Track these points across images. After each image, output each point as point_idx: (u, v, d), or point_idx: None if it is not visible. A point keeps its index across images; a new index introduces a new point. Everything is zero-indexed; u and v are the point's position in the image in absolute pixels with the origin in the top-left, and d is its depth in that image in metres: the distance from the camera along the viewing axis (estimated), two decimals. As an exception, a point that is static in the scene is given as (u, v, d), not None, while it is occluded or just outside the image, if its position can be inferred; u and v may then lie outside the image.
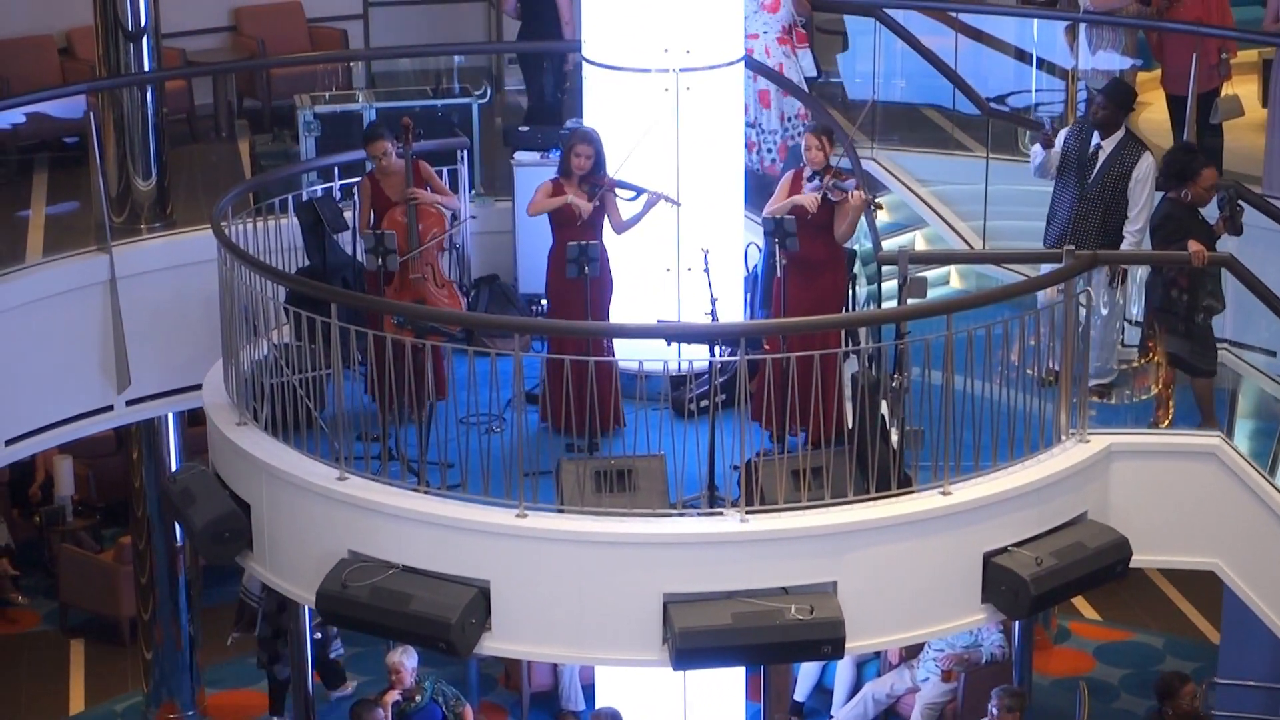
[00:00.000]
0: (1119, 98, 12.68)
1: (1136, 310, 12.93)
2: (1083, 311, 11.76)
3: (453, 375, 12.06)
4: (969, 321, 11.44)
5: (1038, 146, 12.79)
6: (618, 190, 12.53)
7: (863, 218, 13.13)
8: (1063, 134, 12.80)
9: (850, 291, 13.03)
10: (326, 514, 11.55)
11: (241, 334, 12.37)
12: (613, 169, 12.53)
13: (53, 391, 13.60)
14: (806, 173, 12.31)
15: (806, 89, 15.13)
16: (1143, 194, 12.46)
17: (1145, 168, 12.47)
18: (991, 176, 14.68)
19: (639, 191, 12.52)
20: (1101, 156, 12.51)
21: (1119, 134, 12.58)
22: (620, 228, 12.56)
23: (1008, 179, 14.79)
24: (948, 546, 11.31)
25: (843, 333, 12.21)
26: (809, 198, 12.16)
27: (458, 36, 18.72)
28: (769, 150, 15.14)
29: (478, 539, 11.14)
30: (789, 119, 15.15)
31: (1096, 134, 12.57)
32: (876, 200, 12.75)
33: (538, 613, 11.17)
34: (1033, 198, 14.12)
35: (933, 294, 12.87)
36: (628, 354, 12.17)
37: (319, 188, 13.99)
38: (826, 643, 10.97)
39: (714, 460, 11.38)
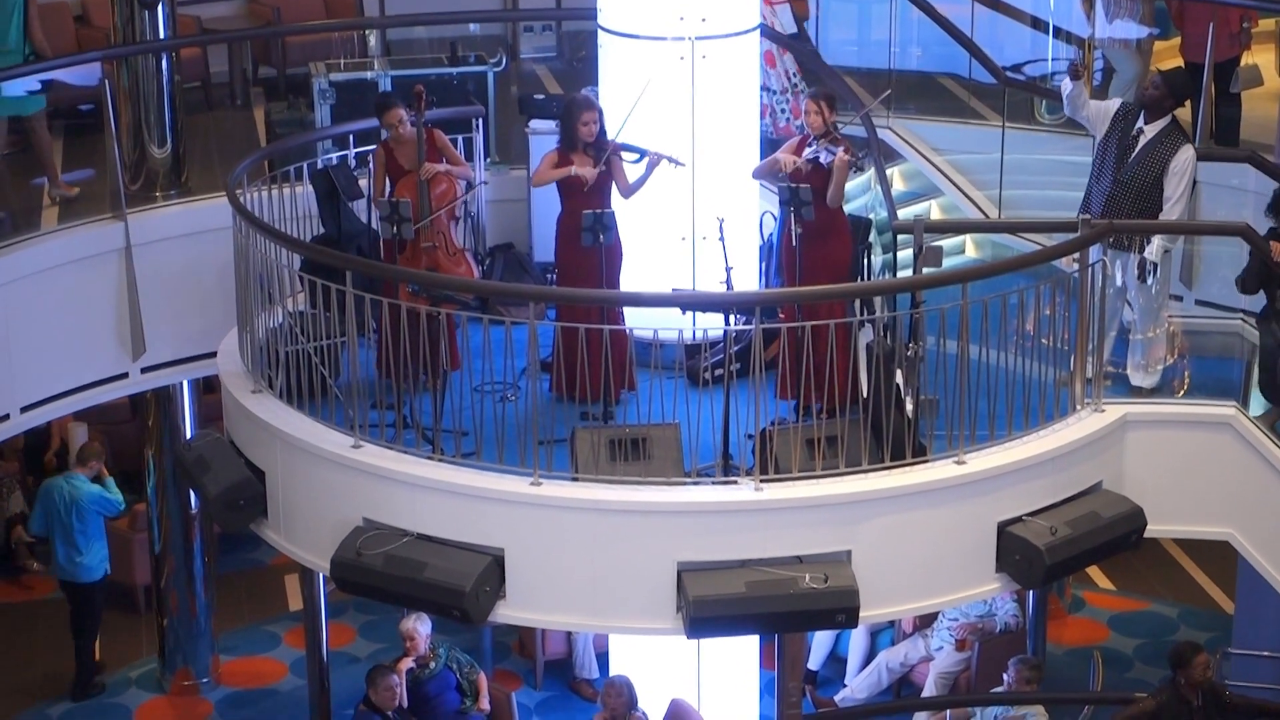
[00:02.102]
0: (1175, 85, 12.29)
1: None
2: (1098, 280, 11.75)
3: (467, 343, 12.07)
4: (984, 290, 11.43)
5: (1067, 80, 12.43)
6: (622, 153, 12.51)
7: (878, 187, 13.14)
8: (1114, 104, 12.46)
9: (866, 260, 13.02)
10: (341, 482, 11.56)
11: (256, 302, 12.37)
12: (614, 132, 12.51)
13: (68, 358, 13.61)
14: (809, 138, 12.31)
15: None
16: (1178, 186, 12.10)
17: (1183, 160, 12.10)
18: (1007, 145, 14.63)
19: (642, 153, 12.51)
20: (1142, 141, 12.19)
21: (1163, 122, 12.19)
22: (628, 191, 12.56)
23: (1024, 148, 14.75)
24: (962, 516, 11.31)
25: (858, 302, 12.21)
26: (787, 157, 12.17)
27: (473, 4, 18.67)
28: (782, 111, 15.09)
29: (492, 507, 11.15)
30: (792, 75, 15.12)
31: (1142, 116, 12.25)
32: (859, 162, 12.65)
33: (552, 581, 11.19)
34: (1048, 167, 14.12)
35: (948, 263, 12.84)
36: (642, 323, 12.16)
37: (334, 155, 13.98)
38: (841, 611, 10.98)
39: (728, 429, 11.38)
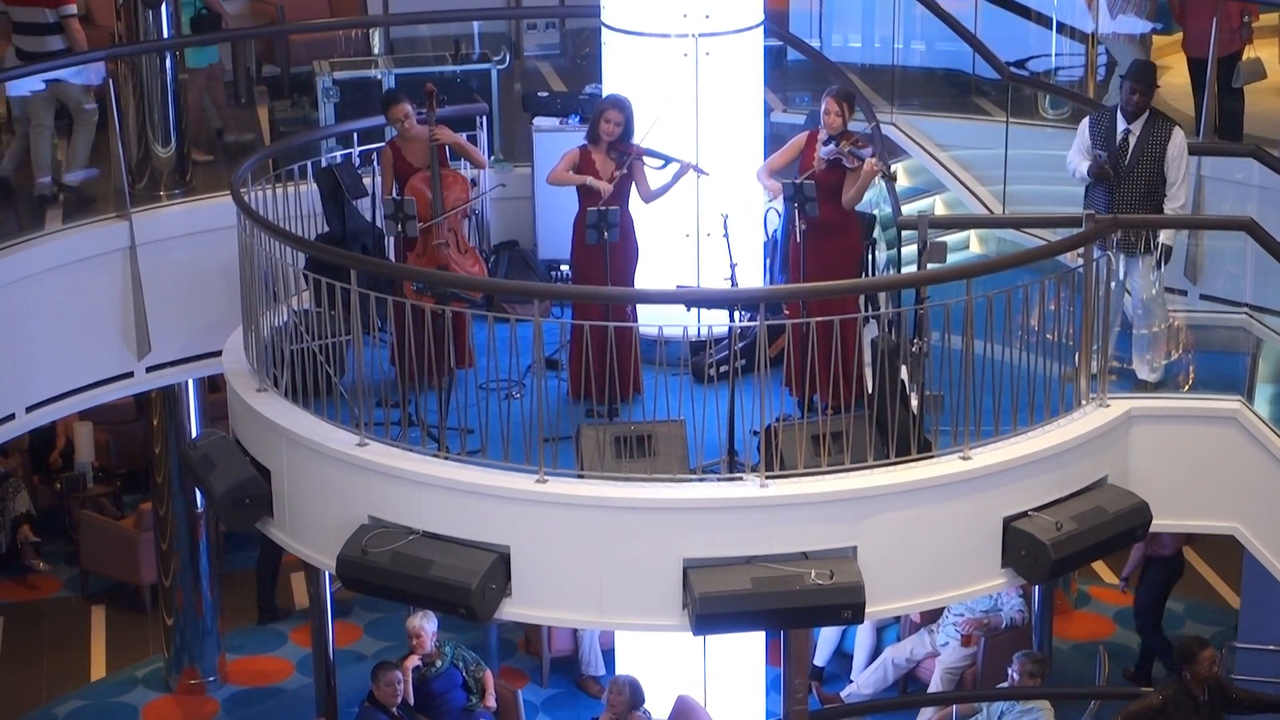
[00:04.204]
0: (1145, 78, 12.30)
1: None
2: (1102, 276, 11.76)
3: (472, 341, 12.07)
4: (989, 286, 11.42)
5: (1084, 168, 12.28)
6: (646, 159, 12.48)
7: (883, 183, 13.14)
8: (1083, 126, 12.41)
9: (870, 256, 13.02)
10: (347, 480, 11.57)
11: (261, 300, 12.38)
12: (638, 138, 12.49)
13: (73, 358, 13.62)
14: (822, 136, 12.29)
15: None
16: (1179, 169, 12.13)
17: (1178, 143, 12.14)
18: (1011, 141, 14.63)
19: (668, 160, 12.49)
20: (1132, 140, 12.17)
21: (1144, 114, 12.23)
22: (649, 197, 12.52)
23: (1028, 143, 14.75)
24: (968, 511, 11.32)
25: (863, 297, 12.21)
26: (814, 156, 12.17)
27: (477, 2, 18.67)
28: None
29: (498, 504, 11.16)
30: None
31: (1122, 119, 12.23)
32: (891, 171, 12.67)
33: (558, 578, 11.19)
34: (1052, 162, 14.07)
35: (952, 259, 12.85)
36: (647, 319, 12.16)
37: (338, 154, 13.98)
38: (846, 607, 10.98)
39: (734, 425, 11.39)
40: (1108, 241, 11.85)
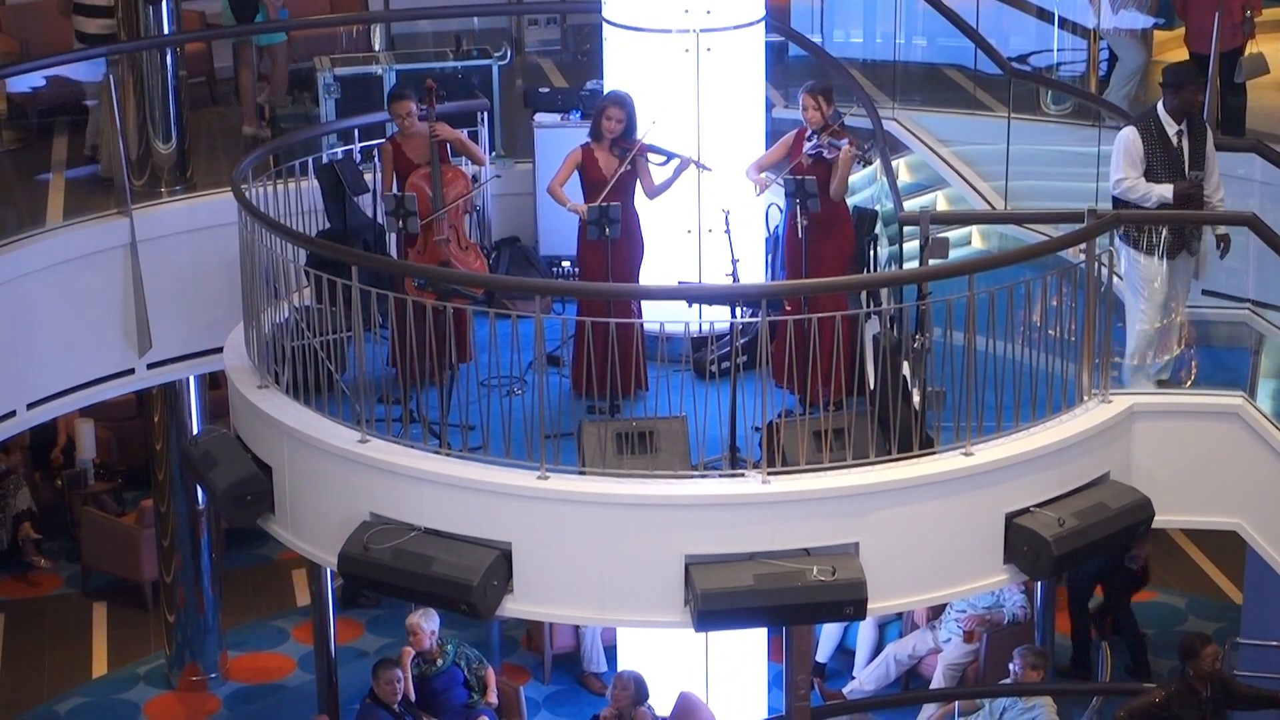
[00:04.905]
0: (1196, 76, 12.17)
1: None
2: (1104, 272, 11.74)
3: (473, 337, 12.06)
4: (991, 282, 11.40)
5: (1165, 191, 11.95)
6: (649, 155, 12.46)
7: (884, 178, 13.13)
8: (1131, 140, 11.99)
9: (872, 252, 13.01)
10: (348, 476, 11.56)
11: (262, 297, 12.37)
12: (638, 135, 12.48)
13: (74, 355, 13.61)
14: (807, 132, 12.31)
15: None
16: (1215, 163, 12.05)
17: (1211, 138, 12.07)
18: (1013, 136, 14.61)
19: (670, 156, 12.48)
20: (1186, 143, 11.98)
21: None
22: (653, 193, 12.50)
23: (1030, 139, 14.74)
24: (970, 507, 11.30)
25: (864, 293, 12.19)
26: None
27: (477, -2, 18.69)
28: None
29: (499, 501, 11.15)
30: None
31: (1172, 122, 11.97)
32: (865, 154, 12.65)
33: (559, 574, 11.18)
34: (1055, 157, 14.10)
35: (954, 254, 12.83)
36: (649, 316, 12.15)
37: (339, 150, 13.97)
38: (848, 604, 10.97)
39: (735, 421, 11.37)
40: (1176, 246, 11.80)
